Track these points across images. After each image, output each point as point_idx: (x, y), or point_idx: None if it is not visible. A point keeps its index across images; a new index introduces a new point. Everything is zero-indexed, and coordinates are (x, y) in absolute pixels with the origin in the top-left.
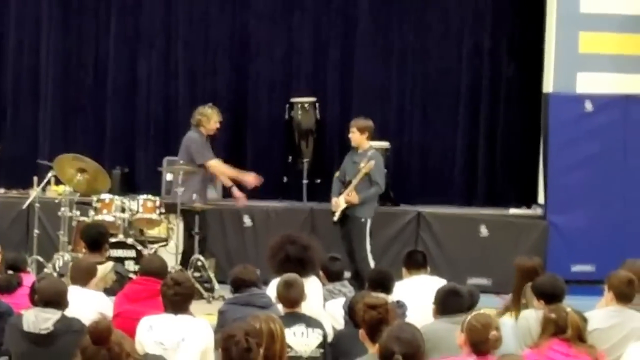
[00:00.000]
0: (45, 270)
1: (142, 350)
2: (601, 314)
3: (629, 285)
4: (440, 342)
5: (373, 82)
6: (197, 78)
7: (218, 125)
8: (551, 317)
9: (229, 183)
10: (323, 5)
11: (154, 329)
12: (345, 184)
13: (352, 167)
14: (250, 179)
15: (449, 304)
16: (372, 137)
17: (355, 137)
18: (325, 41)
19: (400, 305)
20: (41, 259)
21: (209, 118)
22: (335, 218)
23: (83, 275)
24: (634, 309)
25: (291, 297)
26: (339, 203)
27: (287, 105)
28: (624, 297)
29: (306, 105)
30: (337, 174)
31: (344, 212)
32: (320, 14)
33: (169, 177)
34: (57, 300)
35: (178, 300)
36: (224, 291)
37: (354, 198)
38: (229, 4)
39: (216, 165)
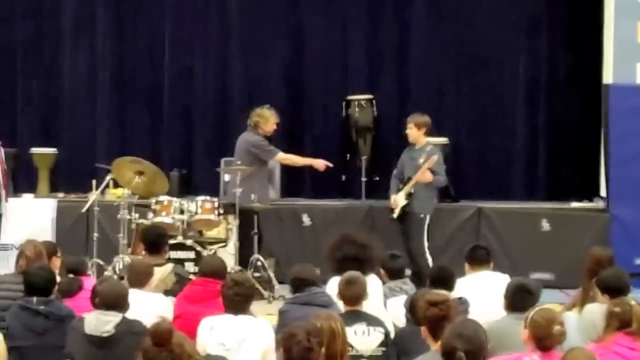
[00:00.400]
0: (106, 273)
1: (203, 351)
2: None
3: None
4: (508, 339)
5: (430, 77)
6: (253, 78)
7: (275, 127)
8: (615, 310)
9: (302, 162)
10: (378, 1)
11: (215, 330)
12: (404, 182)
13: (410, 164)
14: (321, 164)
15: (517, 299)
16: (430, 133)
17: (413, 133)
18: (381, 37)
19: (462, 301)
20: (101, 262)
21: (267, 119)
22: (395, 215)
23: (140, 277)
24: None
25: (352, 294)
26: (397, 200)
27: (344, 103)
28: None
29: (363, 102)
30: (394, 172)
31: (404, 209)
32: (376, 9)
33: (226, 177)
34: (117, 302)
35: (238, 300)
36: (284, 291)
37: (427, 176)
38: (282, 3)
39: (286, 156)
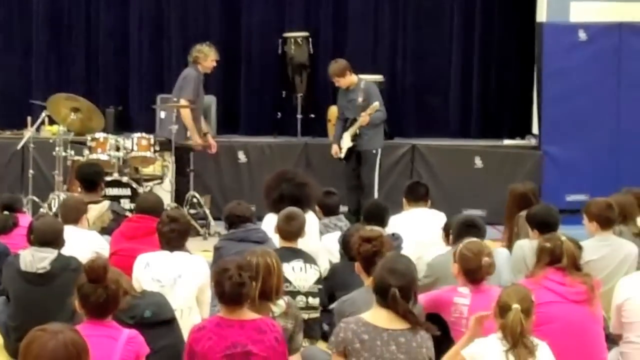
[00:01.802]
0: (41, 210)
1: (139, 287)
2: (591, 245)
3: (608, 209)
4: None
5: (365, 14)
6: (188, 14)
7: (215, 64)
8: (546, 246)
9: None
10: None
11: (151, 266)
12: (348, 123)
13: (349, 105)
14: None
15: (465, 233)
16: (354, 69)
17: (342, 82)
18: None
19: (395, 237)
20: (37, 199)
21: (207, 55)
22: (342, 155)
23: (73, 213)
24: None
25: (292, 230)
26: (339, 147)
27: (280, 40)
28: (606, 221)
29: (299, 39)
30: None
31: (350, 149)
32: None
33: (162, 114)
34: (53, 239)
35: (174, 236)
36: (219, 227)
37: (366, 119)
38: None
39: (186, 112)
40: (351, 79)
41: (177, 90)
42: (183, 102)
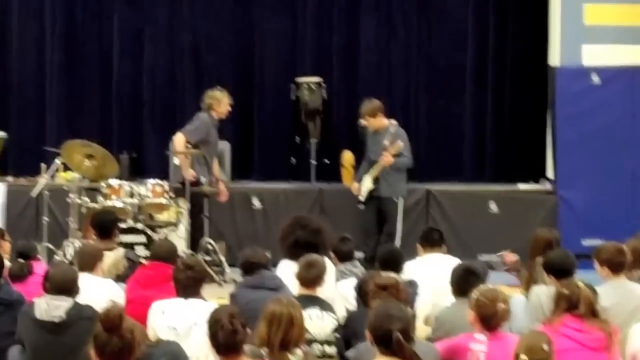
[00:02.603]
0: (56, 257)
1: (154, 335)
2: (604, 292)
3: (618, 254)
4: (459, 324)
5: (378, 60)
6: (202, 60)
7: (229, 109)
8: (564, 292)
9: (189, 175)
10: None
11: (166, 314)
12: (371, 165)
13: (376, 147)
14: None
15: (464, 283)
16: (385, 113)
17: (371, 122)
18: (329, 20)
19: (411, 284)
20: (51, 247)
21: (220, 101)
22: (362, 198)
23: (89, 261)
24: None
25: (312, 277)
26: (358, 187)
27: (293, 86)
28: (617, 266)
29: (312, 84)
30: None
31: (371, 193)
32: None
33: (176, 161)
34: (68, 287)
35: (190, 284)
36: (234, 274)
37: (389, 159)
38: None
39: (180, 145)
40: (382, 121)
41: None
42: (180, 136)
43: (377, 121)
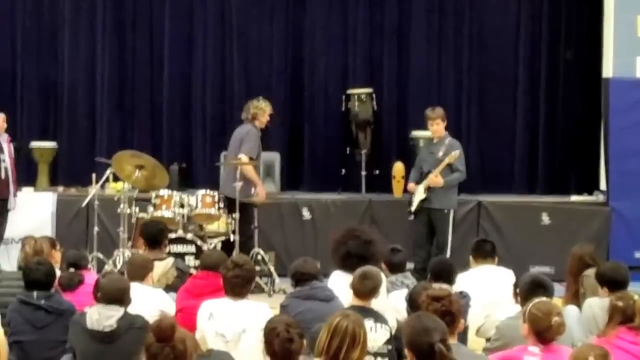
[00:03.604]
0: (106, 267)
1: (202, 337)
2: None
3: None
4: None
5: (429, 70)
6: (252, 71)
7: (269, 119)
8: (618, 305)
9: (255, 181)
10: None
11: (215, 318)
12: (424, 175)
13: (430, 158)
14: (263, 194)
15: (532, 295)
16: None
17: (438, 128)
18: (380, 31)
19: (463, 296)
20: (101, 256)
21: (264, 111)
22: (413, 208)
23: (140, 271)
24: None
25: (367, 289)
26: (416, 188)
27: (344, 97)
28: None
29: (363, 96)
30: (415, 165)
31: (422, 204)
32: (376, 3)
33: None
34: (119, 297)
35: (238, 282)
36: (284, 284)
37: (439, 180)
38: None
39: (249, 168)
40: (443, 130)
41: (236, 147)
42: (244, 157)
43: (440, 127)
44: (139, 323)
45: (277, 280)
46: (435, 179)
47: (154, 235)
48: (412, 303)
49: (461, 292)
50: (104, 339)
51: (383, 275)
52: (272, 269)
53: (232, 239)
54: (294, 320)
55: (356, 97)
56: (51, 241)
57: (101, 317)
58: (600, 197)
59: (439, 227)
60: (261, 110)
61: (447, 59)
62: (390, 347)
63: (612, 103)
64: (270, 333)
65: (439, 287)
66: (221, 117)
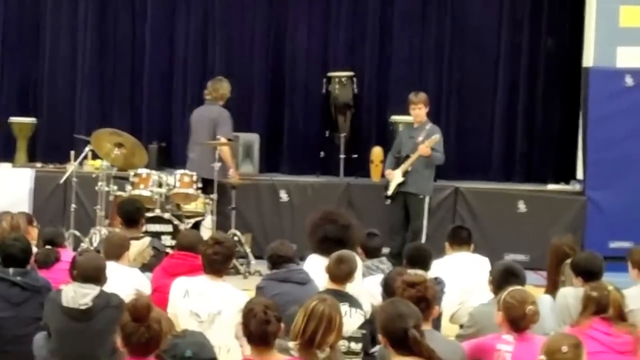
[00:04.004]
0: (82, 244)
1: (173, 314)
2: (633, 294)
3: None
4: (494, 321)
5: (411, 56)
6: (233, 53)
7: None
8: (593, 295)
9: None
10: None
11: (190, 296)
12: (402, 160)
13: (409, 142)
14: (237, 176)
15: (504, 283)
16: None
17: (420, 113)
18: (362, 14)
19: (438, 282)
20: (78, 234)
21: (228, 91)
22: (390, 192)
23: (116, 250)
24: None
25: (343, 273)
26: (392, 175)
27: (325, 80)
28: None
29: (343, 79)
30: (391, 150)
31: (399, 188)
32: None
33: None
34: (95, 275)
35: (218, 259)
36: (260, 266)
37: (427, 150)
38: None
39: (227, 150)
40: (424, 114)
41: (209, 128)
42: (224, 140)
43: (422, 112)
44: (115, 302)
45: (253, 261)
46: (425, 147)
47: (131, 214)
48: (387, 288)
49: (436, 279)
50: (79, 317)
51: (359, 260)
52: (248, 250)
53: (208, 219)
54: (272, 303)
55: (337, 80)
56: (28, 217)
57: (77, 295)
58: (577, 187)
59: (414, 212)
60: (228, 91)
61: (428, 45)
62: (364, 331)
63: (591, 93)
64: (248, 314)
65: (414, 273)
66: (201, 98)
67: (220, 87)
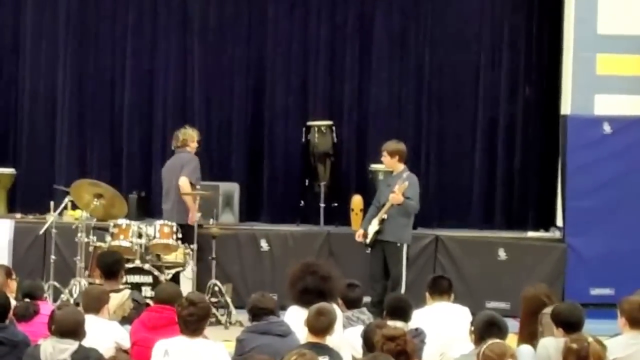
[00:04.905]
0: (62, 296)
1: None
2: (619, 342)
3: (639, 310)
4: None
5: (389, 104)
6: (212, 103)
7: (198, 145)
8: (572, 347)
9: (192, 208)
10: (338, 29)
11: (170, 355)
12: (380, 208)
13: (387, 190)
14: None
15: (486, 334)
16: (405, 160)
17: (387, 160)
18: (340, 64)
19: (418, 332)
20: (58, 285)
21: (193, 137)
22: (368, 241)
23: (95, 303)
24: None
25: (322, 326)
26: (364, 233)
27: (304, 129)
28: (636, 322)
29: (323, 128)
30: (374, 200)
31: (376, 236)
32: (336, 37)
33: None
34: (74, 330)
35: (193, 320)
36: (241, 316)
37: (399, 197)
38: (244, 28)
39: (190, 198)
40: (397, 165)
41: (177, 174)
42: (185, 180)
43: (392, 162)
44: (94, 357)
45: (234, 312)
46: (396, 196)
47: (110, 266)
48: (367, 341)
49: (417, 329)
50: None
51: (339, 311)
52: (229, 300)
53: (188, 270)
54: None
55: (316, 129)
56: (7, 270)
57: (55, 350)
58: (557, 234)
59: (392, 260)
60: (190, 136)
61: (407, 93)
62: None
63: (569, 140)
64: None
65: (394, 325)
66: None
67: (181, 134)
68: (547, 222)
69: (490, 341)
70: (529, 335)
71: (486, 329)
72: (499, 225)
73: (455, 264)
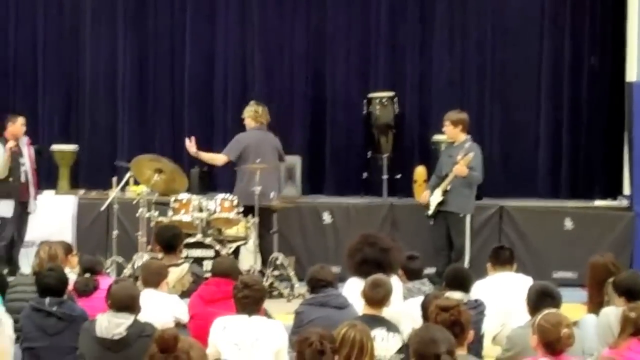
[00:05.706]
0: (125, 271)
1: (215, 352)
2: None
3: None
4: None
5: (452, 74)
6: (274, 76)
7: None
8: (630, 316)
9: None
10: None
11: (228, 330)
12: (443, 179)
13: (448, 161)
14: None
15: (540, 304)
16: (468, 130)
17: (449, 130)
18: (402, 34)
19: (478, 304)
20: (121, 260)
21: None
22: (430, 212)
23: (154, 277)
24: None
25: (378, 297)
26: (427, 198)
27: (366, 100)
28: None
29: (384, 99)
30: (435, 170)
31: (439, 207)
32: (397, 5)
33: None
34: (129, 304)
35: (248, 302)
36: (304, 289)
37: (464, 169)
38: (304, 1)
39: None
40: (459, 134)
41: (273, 154)
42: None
43: (455, 132)
44: (148, 331)
45: (297, 284)
46: (461, 167)
47: (169, 241)
48: (425, 312)
49: (476, 300)
50: (113, 347)
51: (400, 282)
52: (291, 273)
53: (250, 243)
54: (328, 333)
55: (378, 100)
56: (66, 246)
57: (110, 324)
58: (624, 202)
59: (455, 231)
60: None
61: (469, 63)
62: (402, 355)
63: (635, 107)
64: (303, 343)
65: (449, 296)
66: (241, 122)
67: (263, 113)
68: (614, 191)
69: (545, 311)
70: (599, 305)
71: (539, 300)
72: (565, 195)
73: (520, 234)
